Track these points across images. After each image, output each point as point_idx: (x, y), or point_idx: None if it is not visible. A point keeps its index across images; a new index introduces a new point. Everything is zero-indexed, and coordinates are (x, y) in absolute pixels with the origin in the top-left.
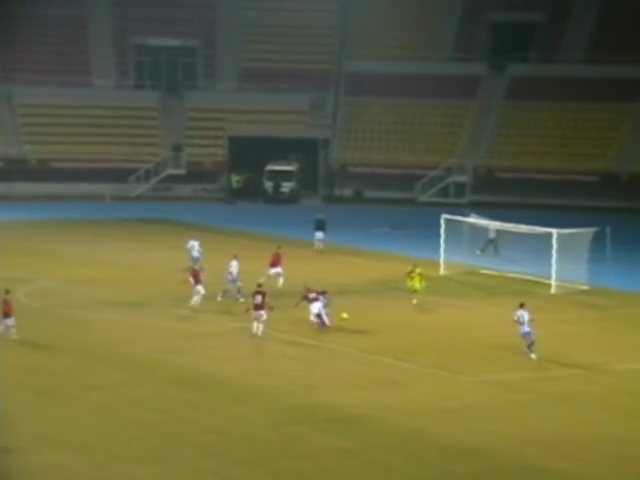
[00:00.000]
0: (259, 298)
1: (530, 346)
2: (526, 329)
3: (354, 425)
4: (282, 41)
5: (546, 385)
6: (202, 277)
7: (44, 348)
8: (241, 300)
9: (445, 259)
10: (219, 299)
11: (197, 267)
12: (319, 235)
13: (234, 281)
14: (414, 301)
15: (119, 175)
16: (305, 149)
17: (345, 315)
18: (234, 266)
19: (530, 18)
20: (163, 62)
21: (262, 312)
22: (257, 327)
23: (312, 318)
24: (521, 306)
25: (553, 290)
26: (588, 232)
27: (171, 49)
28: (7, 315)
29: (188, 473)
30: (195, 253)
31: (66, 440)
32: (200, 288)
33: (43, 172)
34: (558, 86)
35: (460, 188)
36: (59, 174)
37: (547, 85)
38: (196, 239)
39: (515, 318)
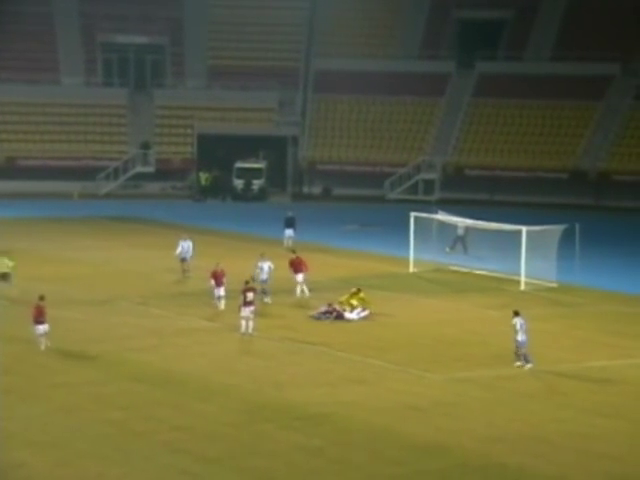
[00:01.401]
0: (250, 295)
1: (525, 356)
2: (521, 337)
3: (321, 423)
4: (250, 39)
5: (513, 382)
6: (224, 279)
7: (10, 347)
8: (266, 300)
9: (414, 256)
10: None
11: (219, 269)
12: (289, 232)
13: (264, 281)
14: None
15: (87, 173)
16: (274, 147)
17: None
18: (265, 266)
19: (498, 16)
20: (131, 60)
21: (253, 308)
22: (246, 325)
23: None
24: (515, 314)
25: (522, 287)
26: (557, 229)
27: (139, 47)
28: (40, 322)
29: (155, 471)
30: (183, 253)
31: (32, 438)
32: (220, 290)
33: (11, 170)
34: (526, 84)
35: (429, 185)
36: (27, 172)
37: (515, 83)
38: (186, 239)
39: (516, 327)
